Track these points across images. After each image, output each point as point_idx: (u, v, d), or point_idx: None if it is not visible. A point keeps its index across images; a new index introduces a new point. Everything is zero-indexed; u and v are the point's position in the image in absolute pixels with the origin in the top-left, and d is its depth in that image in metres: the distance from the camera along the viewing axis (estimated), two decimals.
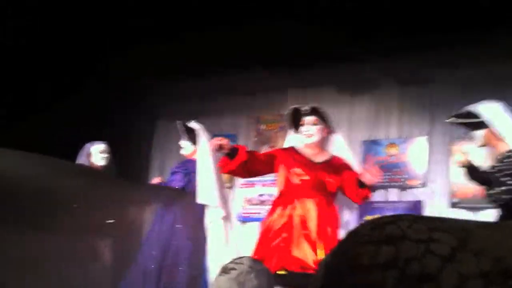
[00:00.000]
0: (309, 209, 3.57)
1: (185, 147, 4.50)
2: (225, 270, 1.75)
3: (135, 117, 6.87)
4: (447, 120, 3.60)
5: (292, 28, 5.01)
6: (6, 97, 5.16)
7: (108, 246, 3.26)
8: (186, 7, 4.95)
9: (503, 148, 3.34)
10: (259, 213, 6.03)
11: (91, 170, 4.26)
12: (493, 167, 3.39)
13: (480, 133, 3.42)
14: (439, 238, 0.52)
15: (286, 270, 3.36)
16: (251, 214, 6.09)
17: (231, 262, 1.80)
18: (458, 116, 3.54)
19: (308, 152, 3.87)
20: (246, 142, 6.42)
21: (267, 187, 6.07)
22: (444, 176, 5.22)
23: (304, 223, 3.50)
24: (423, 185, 5.32)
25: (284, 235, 3.50)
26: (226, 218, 4.26)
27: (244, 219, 6.11)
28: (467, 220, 0.60)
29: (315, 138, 3.83)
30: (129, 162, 5.19)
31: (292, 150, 3.92)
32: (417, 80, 5.47)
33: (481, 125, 3.40)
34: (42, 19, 4.97)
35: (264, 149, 6.20)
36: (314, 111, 3.84)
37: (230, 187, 6.33)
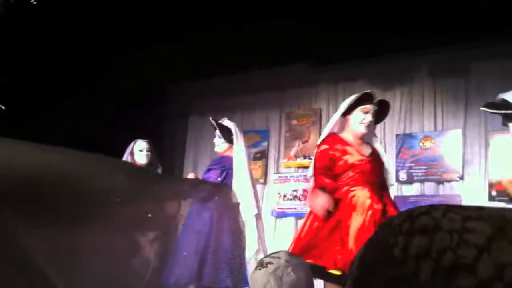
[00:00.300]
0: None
1: (219, 144, 4.53)
2: (261, 264, 1.75)
3: (169, 114, 6.97)
4: (482, 108, 3.40)
5: (321, 24, 4.99)
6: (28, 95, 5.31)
7: (149, 240, 3.32)
8: (214, 3, 4.98)
9: None
10: (293, 208, 6.03)
11: (132, 166, 4.35)
12: None
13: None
14: (474, 227, 0.51)
15: (341, 270, 3.25)
16: (285, 210, 6.09)
17: (267, 257, 1.80)
18: (493, 104, 3.29)
19: (353, 142, 3.65)
20: (278, 137, 6.43)
21: (300, 182, 6.07)
22: (481, 169, 5.11)
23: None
24: (460, 178, 5.22)
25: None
26: (258, 216, 4.28)
27: (279, 215, 6.13)
28: (504, 208, 0.59)
29: (369, 129, 3.66)
30: (164, 159, 5.25)
31: (340, 139, 3.66)
32: (451, 72, 5.36)
33: None
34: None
35: (297, 144, 6.21)
36: (379, 103, 3.69)
37: (264, 183, 6.35)
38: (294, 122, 6.37)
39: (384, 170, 3.77)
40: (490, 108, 3.28)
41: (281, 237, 6.04)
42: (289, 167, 6.29)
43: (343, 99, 5.97)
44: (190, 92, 6.98)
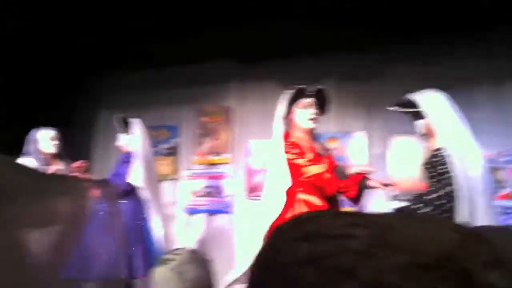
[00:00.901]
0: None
1: (123, 140, 4.52)
2: (164, 261, 1.74)
3: (79, 106, 6.73)
4: (391, 108, 3.48)
5: (234, 23, 5.03)
6: None
7: (44, 238, 3.21)
8: None
9: (434, 143, 3.29)
10: (205, 204, 6.03)
11: (21, 165, 4.14)
12: (422, 164, 3.36)
13: (420, 123, 3.36)
14: (356, 233, 0.53)
15: None
16: (197, 206, 6.08)
17: (170, 253, 1.79)
18: (400, 104, 3.45)
19: (306, 140, 3.51)
20: (189, 134, 6.40)
21: (213, 179, 6.08)
22: (383, 170, 5.35)
23: None
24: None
25: None
26: (157, 211, 4.31)
27: (191, 211, 6.10)
28: (388, 213, 0.62)
29: (316, 123, 3.53)
30: (72, 151, 5.06)
31: (295, 136, 3.51)
32: (356, 75, 5.57)
33: (421, 115, 3.34)
34: None
35: (208, 141, 6.21)
36: (318, 93, 3.56)
37: (176, 179, 6.30)
38: (206, 119, 6.36)
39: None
40: (400, 107, 3.42)
41: (193, 233, 6.03)
42: (201, 164, 6.27)
43: (255, 98, 6.10)
44: (102, 85, 6.77)
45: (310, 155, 3.39)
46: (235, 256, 5.71)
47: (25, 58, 5.41)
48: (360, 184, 3.38)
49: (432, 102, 3.33)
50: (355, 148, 5.54)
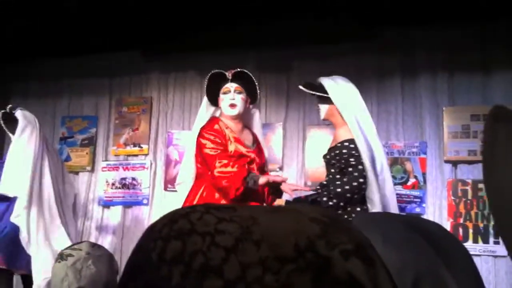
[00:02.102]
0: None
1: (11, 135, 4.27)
2: (61, 257, 1.68)
3: None
4: (300, 87, 3.44)
5: (151, 13, 4.95)
6: None
7: None
8: None
9: (341, 134, 3.29)
10: (122, 197, 5.92)
11: None
12: (325, 155, 3.37)
13: (324, 107, 3.35)
14: (225, 229, 0.54)
15: None
16: (113, 198, 5.95)
17: (68, 248, 1.73)
18: (311, 85, 3.42)
19: (234, 129, 3.38)
20: (107, 124, 6.25)
21: (129, 171, 5.98)
22: (299, 161, 5.46)
23: None
24: (280, 169, 5.51)
25: None
26: (39, 209, 4.08)
27: (106, 203, 5.97)
28: (256, 206, 0.64)
29: (239, 109, 3.37)
30: None
31: (221, 123, 3.37)
32: (275, 68, 5.64)
33: (326, 99, 3.31)
34: None
35: (126, 132, 6.09)
36: (238, 77, 3.42)
37: (91, 171, 6.14)
38: (125, 109, 6.23)
39: (266, 162, 3.60)
40: (308, 88, 3.41)
41: (108, 225, 5.90)
42: (118, 155, 6.15)
43: (175, 89, 6.04)
44: (14, 72, 6.45)
45: (231, 147, 3.30)
46: None
47: None
48: (270, 191, 3.34)
49: (340, 89, 3.33)
50: (273, 140, 5.60)
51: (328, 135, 4.87)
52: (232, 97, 3.36)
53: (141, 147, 6.07)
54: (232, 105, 3.36)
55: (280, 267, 0.52)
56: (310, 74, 5.42)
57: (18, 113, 4.19)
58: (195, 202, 3.17)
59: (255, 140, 3.52)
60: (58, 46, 5.77)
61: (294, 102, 5.52)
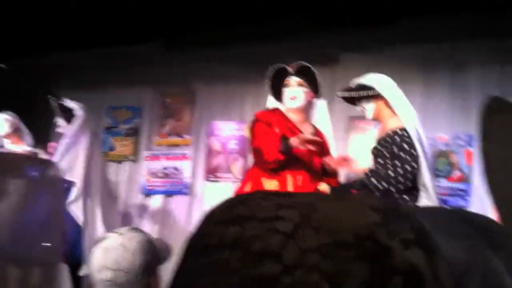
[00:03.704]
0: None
1: (61, 125, 4.43)
2: (99, 240, 1.73)
3: (34, 87, 6.58)
4: (339, 95, 3.46)
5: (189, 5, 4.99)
6: None
7: None
8: None
9: (390, 124, 3.25)
10: (163, 186, 6.01)
11: None
12: (374, 148, 3.33)
13: (371, 106, 3.32)
14: (284, 215, 0.55)
15: None
16: (155, 187, 6.05)
17: (109, 232, 1.78)
18: (349, 90, 3.40)
19: (294, 119, 3.45)
20: (151, 115, 6.35)
21: (171, 160, 6.06)
22: (343, 153, 5.39)
23: None
24: None
25: None
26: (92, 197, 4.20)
27: (148, 192, 6.07)
28: (312, 193, 0.64)
29: (300, 102, 3.42)
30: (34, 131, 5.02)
31: (280, 113, 3.45)
32: (317, 61, 5.59)
33: (372, 97, 3.29)
34: None
35: (169, 123, 6.17)
36: (300, 71, 3.46)
37: (135, 160, 6.25)
38: (168, 100, 6.32)
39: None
40: (351, 92, 3.38)
41: (150, 214, 6.01)
42: (161, 145, 6.24)
43: (217, 80, 6.08)
44: (58, 65, 6.62)
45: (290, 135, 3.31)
46: None
47: None
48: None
49: (384, 83, 3.31)
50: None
51: (372, 127, 4.81)
52: (293, 90, 3.40)
53: (184, 137, 6.15)
54: (293, 98, 3.40)
55: (339, 253, 0.52)
56: (354, 66, 5.40)
57: (71, 104, 4.36)
58: (245, 189, 3.24)
59: (316, 132, 3.51)
60: (103, 37, 5.87)
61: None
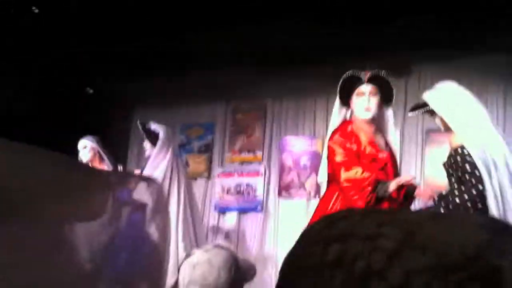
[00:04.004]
0: None
1: (147, 148, 4.58)
2: (187, 255, 1.79)
3: (113, 109, 6.87)
4: (410, 114, 3.40)
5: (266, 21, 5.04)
6: None
7: (75, 233, 3.29)
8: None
9: (454, 141, 3.07)
10: (237, 203, 6.05)
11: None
12: (444, 164, 3.17)
13: (438, 120, 3.16)
14: (387, 233, 0.52)
15: None
16: (229, 204, 6.10)
17: (198, 248, 1.82)
18: (415, 108, 3.27)
19: (367, 131, 3.29)
20: (223, 131, 6.43)
21: (244, 177, 6.10)
22: (417, 168, 5.26)
23: None
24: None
25: None
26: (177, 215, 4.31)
27: (221, 209, 6.13)
28: (416, 211, 0.61)
29: (373, 113, 3.27)
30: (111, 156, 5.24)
31: (354, 127, 3.29)
32: (393, 73, 5.49)
33: (434, 112, 3.13)
34: None
35: (241, 138, 6.23)
36: (374, 79, 3.31)
37: (208, 177, 6.34)
38: (240, 116, 6.38)
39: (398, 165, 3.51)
40: (413, 110, 3.29)
41: (224, 231, 6.06)
42: (233, 162, 6.30)
43: (288, 95, 6.09)
44: (135, 85, 6.87)
45: (365, 150, 3.22)
46: (266, 255, 5.72)
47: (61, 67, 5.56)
48: (405, 196, 3.19)
49: (443, 97, 3.11)
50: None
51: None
52: (367, 100, 3.26)
53: (256, 154, 6.18)
54: (367, 109, 3.26)
55: (448, 275, 0.50)
56: (430, 77, 5.25)
57: (156, 126, 4.51)
58: (329, 207, 3.17)
59: (387, 144, 3.42)
60: (176, 57, 6.03)
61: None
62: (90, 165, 4.78)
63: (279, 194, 5.88)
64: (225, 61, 6.01)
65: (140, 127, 4.63)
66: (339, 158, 3.18)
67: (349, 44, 5.27)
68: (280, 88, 6.16)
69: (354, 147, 3.21)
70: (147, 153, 4.64)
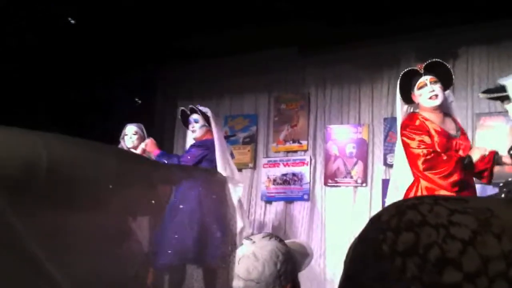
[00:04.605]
0: None
1: (196, 129, 4.60)
2: (240, 244, 1.75)
3: (158, 99, 6.98)
4: (480, 96, 3.33)
5: (308, 8, 4.99)
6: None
7: (141, 225, 3.33)
8: None
9: None
10: (283, 192, 6.06)
11: (122, 151, 4.37)
12: (508, 150, 3.14)
13: (509, 107, 3.10)
14: (460, 221, 0.52)
15: None
16: (275, 194, 6.12)
17: (246, 239, 1.78)
18: (490, 91, 3.24)
19: (436, 120, 3.32)
20: (267, 121, 6.45)
21: (290, 166, 6.10)
22: None
23: None
24: None
25: None
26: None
27: (268, 199, 6.15)
28: (492, 198, 0.60)
29: (440, 99, 3.28)
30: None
31: (423, 118, 3.31)
32: (438, 56, 5.34)
33: (508, 98, 3.06)
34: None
35: (285, 128, 6.23)
36: (429, 69, 3.34)
37: (253, 168, 6.37)
38: (283, 106, 6.38)
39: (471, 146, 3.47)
40: (488, 94, 3.24)
41: (271, 221, 6.09)
42: (278, 152, 6.31)
43: (331, 83, 6.05)
44: (178, 76, 6.95)
45: (435, 139, 3.24)
46: (314, 244, 5.71)
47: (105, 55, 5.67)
48: (493, 163, 3.23)
49: None
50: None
51: (502, 123, 4.52)
52: (431, 89, 3.28)
53: (300, 143, 6.17)
54: (433, 97, 3.28)
55: None
56: (478, 59, 5.12)
57: (202, 108, 4.59)
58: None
59: (459, 127, 3.42)
60: (219, 47, 6.05)
61: (461, 90, 5.20)
62: (133, 151, 4.84)
63: (325, 182, 5.86)
64: (266, 49, 6.01)
65: (186, 110, 4.67)
66: (415, 150, 3.21)
67: (388, 29, 5.18)
68: (322, 76, 6.12)
69: (428, 140, 3.22)
70: (195, 134, 4.64)
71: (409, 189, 3.32)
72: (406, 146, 3.28)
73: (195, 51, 6.13)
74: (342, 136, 5.84)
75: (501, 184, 3.08)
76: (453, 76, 3.42)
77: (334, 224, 5.61)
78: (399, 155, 3.51)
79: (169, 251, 3.95)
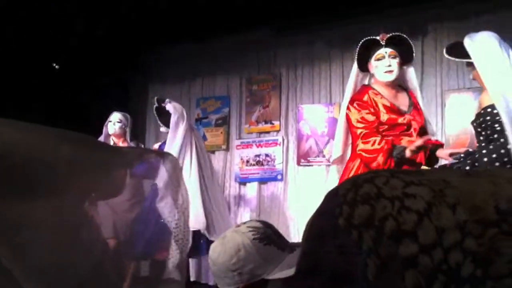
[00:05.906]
0: None
1: (162, 125, 4.59)
2: (220, 236, 1.71)
3: (129, 82, 6.88)
4: (445, 54, 3.07)
5: None
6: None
7: (97, 210, 3.27)
8: None
9: (483, 100, 2.92)
10: (257, 173, 6.07)
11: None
12: (472, 122, 3.03)
13: (473, 74, 2.98)
14: (414, 192, 0.51)
15: None
16: (249, 175, 6.12)
17: (232, 228, 1.74)
18: (452, 47, 3.06)
19: (388, 95, 3.26)
20: (239, 103, 6.42)
21: (263, 147, 6.10)
22: (438, 128, 5.18)
23: None
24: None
25: None
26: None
27: (242, 180, 6.16)
28: (443, 169, 0.60)
29: (395, 74, 3.23)
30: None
31: (374, 93, 3.25)
32: (409, 34, 5.39)
33: (471, 64, 2.92)
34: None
35: (257, 109, 6.21)
36: (392, 42, 3.27)
37: (226, 149, 6.35)
38: (255, 87, 6.35)
39: (426, 122, 3.43)
40: (449, 51, 3.03)
41: (245, 201, 6.10)
42: (251, 133, 6.30)
43: (302, 63, 6.04)
44: (150, 59, 6.86)
45: (384, 116, 3.18)
46: (288, 224, 5.75)
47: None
48: (429, 156, 3.17)
49: (478, 48, 2.90)
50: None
51: (471, 99, 4.58)
52: (387, 63, 3.22)
53: (273, 124, 6.16)
54: (388, 71, 3.22)
55: (483, 231, 0.49)
56: (447, 37, 5.14)
57: (169, 107, 4.49)
58: (353, 174, 3.15)
59: (412, 102, 3.36)
60: (190, 30, 5.98)
61: (430, 67, 5.24)
62: (113, 138, 4.80)
63: (298, 162, 5.88)
64: (238, 31, 5.96)
65: (155, 104, 4.63)
66: (356, 128, 3.18)
67: (357, 7, 5.17)
68: (294, 56, 6.10)
69: (371, 117, 3.17)
70: (162, 129, 4.66)
71: (350, 160, 3.31)
72: (348, 120, 3.26)
73: (167, 34, 6.04)
74: (314, 115, 5.85)
75: (462, 155, 3.03)
76: (413, 52, 3.34)
77: (308, 203, 5.64)
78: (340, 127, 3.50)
79: (142, 242, 3.93)
